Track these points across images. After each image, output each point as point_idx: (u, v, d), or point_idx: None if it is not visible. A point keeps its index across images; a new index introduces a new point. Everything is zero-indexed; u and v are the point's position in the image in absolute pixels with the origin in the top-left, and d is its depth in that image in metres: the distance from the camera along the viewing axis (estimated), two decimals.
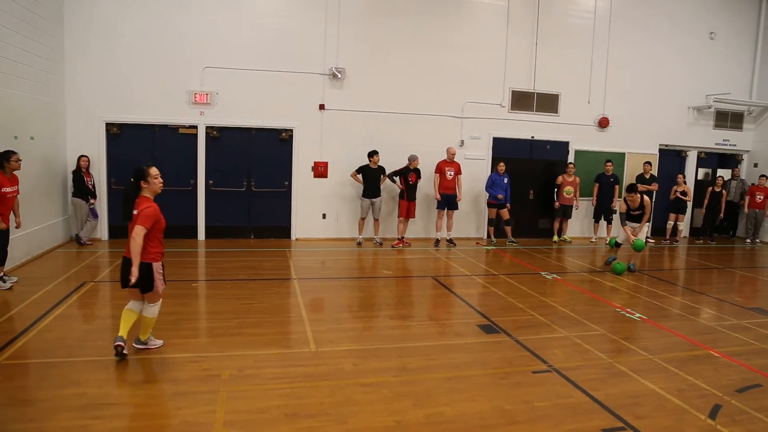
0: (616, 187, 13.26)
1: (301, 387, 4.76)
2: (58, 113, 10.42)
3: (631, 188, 9.94)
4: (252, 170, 11.69)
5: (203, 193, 11.43)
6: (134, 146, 11.01)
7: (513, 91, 12.98)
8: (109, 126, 10.92)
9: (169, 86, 11.00)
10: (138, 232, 4.95)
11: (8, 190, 7.33)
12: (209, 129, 11.34)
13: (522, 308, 7.42)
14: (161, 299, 5.35)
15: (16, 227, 7.82)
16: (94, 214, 10.57)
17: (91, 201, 10.47)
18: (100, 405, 4.30)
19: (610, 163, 13.23)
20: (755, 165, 15.13)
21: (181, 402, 4.39)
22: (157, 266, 5.16)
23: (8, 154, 7.37)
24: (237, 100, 11.33)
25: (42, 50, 9.58)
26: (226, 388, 4.67)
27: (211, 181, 11.46)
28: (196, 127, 11.28)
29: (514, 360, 5.59)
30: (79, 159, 10.38)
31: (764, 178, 14.14)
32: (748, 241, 14.42)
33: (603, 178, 13.24)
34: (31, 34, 9.15)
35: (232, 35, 11.20)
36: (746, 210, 14.39)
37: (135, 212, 5.06)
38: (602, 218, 13.34)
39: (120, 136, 10.99)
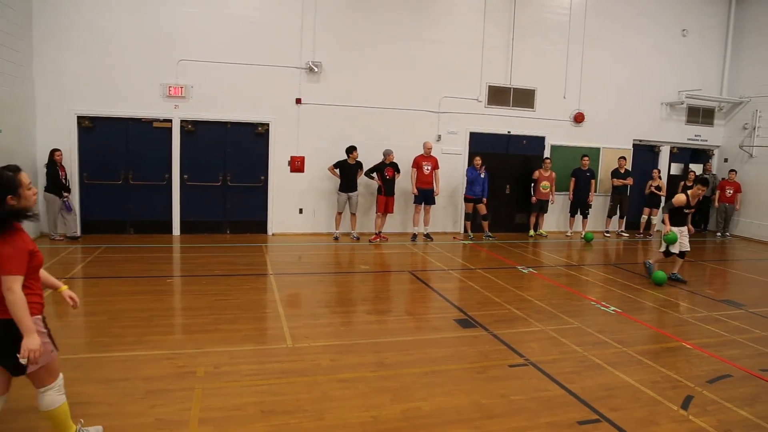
0: (593, 181, 13.41)
1: (278, 383, 4.73)
2: (27, 105, 10.16)
3: (704, 181, 8.83)
4: (228, 164, 11.56)
5: (178, 188, 11.26)
6: (107, 140, 10.81)
7: (490, 86, 13.03)
8: (81, 119, 10.68)
9: (143, 79, 10.79)
10: (10, 285, 3.05)
11: None
12: (184, 123, 11.18)
13: (499, 302, 7.47)
14: (61, 375, 3.48)
15: None
16: (68, 208, 10.34)
17: (65, 195, 10.24)
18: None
19: (586, 158, 13.37)
20: (725, 160, 15.42)
21: (155, 400, 4.32)
22: (30, 322, 3.12)
23: None
24: (212, 93, 11.18)
25: (9, 40, 9.32)
26: (202, 385, 4.62)
27: (186, 176, 11.30)
28: (170, 120, 11.11)
29: (490, 354, 5.62)
30: (53, 153, 10.13)
31: (734, 172, 14.44)
32: (719, 234, 14.71)
33: (579, 173, 13.38)
34: None
35: (207, 28, 11.03)
36: (716, 204, 14.68)
37: None
38: (578, 212, 13.47)
39: (92, 129, 10.77)
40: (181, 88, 11.00)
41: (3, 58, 9.13)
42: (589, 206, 13.43)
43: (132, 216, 11.10)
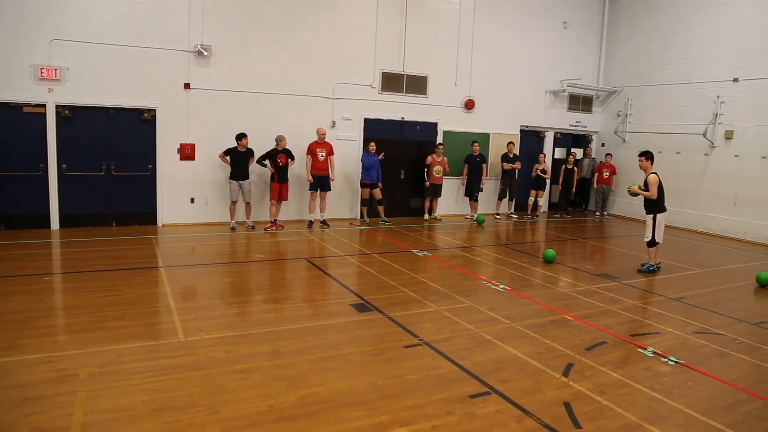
0: (484, 166, 13.95)
1: (169, 379, 4.56)
2: None
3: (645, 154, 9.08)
4: (112, 153, 10.87)
5: (56, 179, 10.44)
6: None
7: (383, 73, 13.15)
8: None
9: (10, 59, 9.84)
10: None
11: None
12: (60, 108, 10.34)
13: (394, 285, 7.62)
14: None
15: None
16: None
17: None
18: None
19: (476, 144, 13.88)
20: (602, 144, 16.59)
21: (31, 408, 4.02)
22: None
23: None
24: (92, 77, 10.41)
25: None
26: (85, 387, 4.36)
27: (64, 165, 10.50)
28: (44, 105, 10.24)
29: (386, 336, 5.73)
30: None
31: (610, 156, 15.58)
32: (598, 214, 15.84)
33: (471, 159, 13.88)
34: None
35: (85, 5, 10.23)
36: (595, 186, 15.79)
37: None
38: (470, 196, 14.00)
39: None
40: (56, 70, 10.15)
41: None
42: (481, 190, 13.99)
43: (1, 210, 10.17)
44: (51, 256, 9.06)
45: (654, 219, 8.94)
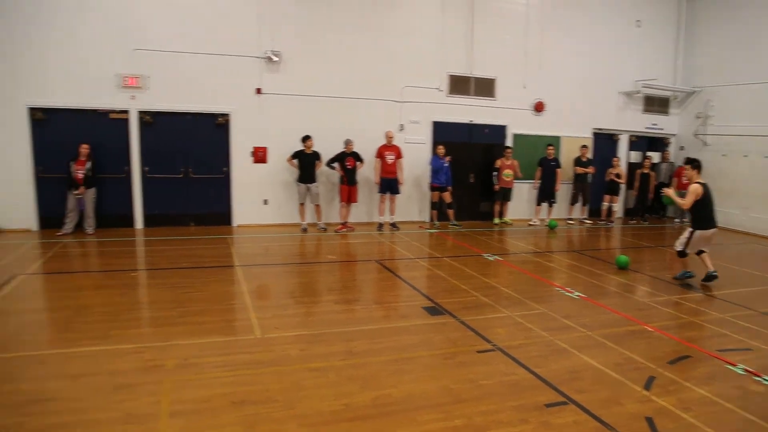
0: (558, 170, 13.63)
1: (248, 374, 4.70)
2: None
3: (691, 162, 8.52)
4: (189, 156, 11.36)
5: (139, 181, 11.02)
6: (62, 132, 10.44)
7: (451, 76, 13.10)
8: (33, 111, 10.31)
9: (97, 69, 10.47)
10: None
11: None
12: (142, 114, 10.92)
13: (466, 290, 7.56)
14: None
15: None
16: (80, 205, 10.23)
17: (75, 192, 10.06)
18: (36, 401, 4.12)
19: (551, 148, 13.59)
20: (681, 148, 15.87)
21: (123, 395, 4.25)
22: None
23: None
24: (171, 83, 10.94)
25: None
26: (171, 378, 4.56)
27: (146, 168, 11.06)
28: (127, 111, 10.83)
29: (458, 340, 5.70)
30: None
31: None
32: (677, 220, 15.16)
33: (545, 162, 13.60)
34: None
35: (164, 16, 10.79)
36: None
37: None
38: (545, 201, 13.70)
39: (46, 121, 10.41)
40: (137, 78, 10.73)
41: None
42: (555, 195, 13.68)
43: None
44: (136, 253, 9.55)
45: (691, 234, 8.18)
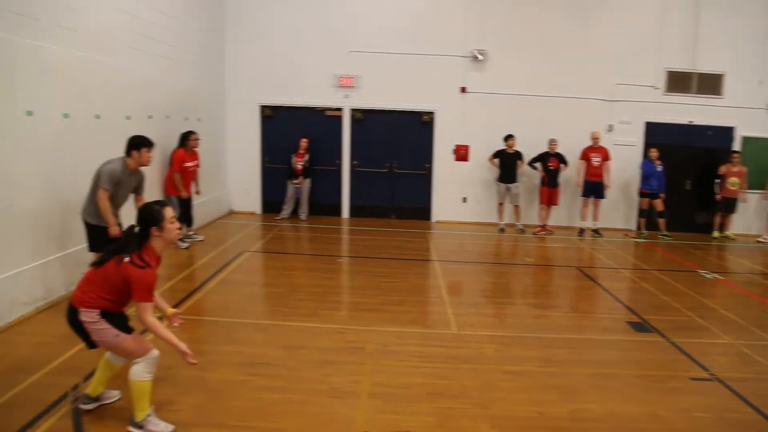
0: None
1: (444, 367, 4.79)
2: (220, 97, 11.34)
3: None
4: (394, 152, 11.90)
5: (348, 174, 11.86)
6: (285, 127, 11.64)
7: (669, 72, 11.92)
8: (264, 108, 11.67)
9: (317, 71, 11.49)
10: (143, 315, 3.42)
11: (189, 164, 8.55)
12: (354, 111, 11.71)
13: (677, 308, 6.86)
14: (148, 355, 3.52)
15: (196, 193, 9.00)
16: (296, 194, 11.35)
17: (294, 181, 11.18)
18: (257, 364, 4.64)
19: None
20: None
21: (329, 369, 4.60)
22: (90, 315, 3.44)
23: (188, 134, 8.55)
24: (380, 83, 11.55)
25: (208, 41, 10.47)
26: (371, 361, 4.82)
27: (355, 162, 11.84)
28: (341, 109, 11.70)
29: (668, 363, 5.19)
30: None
31: None
32: None
33: None
34: (199, 26, 10.02)
35: (375, 19, 11.42)
36: None
37: (125, 260, 3.41)
38: None
39: (273, 117, 11.70)
40: (351, 78, 11.52)
41: (201, 58, 10.24)
42: None
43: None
44: (341, 241, 10.29)
45: None
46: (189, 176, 8.67)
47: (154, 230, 3.49)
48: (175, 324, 3.83)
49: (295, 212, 11.45)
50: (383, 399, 4.17)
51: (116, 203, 5.71)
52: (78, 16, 6.22)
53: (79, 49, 6.26)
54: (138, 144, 5.61)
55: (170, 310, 3.86)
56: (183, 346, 3.48)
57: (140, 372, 3.49)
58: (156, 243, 3.55)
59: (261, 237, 9.83)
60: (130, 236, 3.50)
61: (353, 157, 11.84)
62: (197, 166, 8.88)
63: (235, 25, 11.38)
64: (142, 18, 7.74)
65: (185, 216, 8.61)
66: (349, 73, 11.53)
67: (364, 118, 11.74)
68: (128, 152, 5.63)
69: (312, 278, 7.41)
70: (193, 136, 8.59)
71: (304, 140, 11.12)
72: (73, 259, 6.07)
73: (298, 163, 11.09)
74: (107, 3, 6.88)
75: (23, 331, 5.15)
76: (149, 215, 3.50)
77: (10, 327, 5.19)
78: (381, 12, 11.43)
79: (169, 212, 3.56)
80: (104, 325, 3.44)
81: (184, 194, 8.51)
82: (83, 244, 5.83)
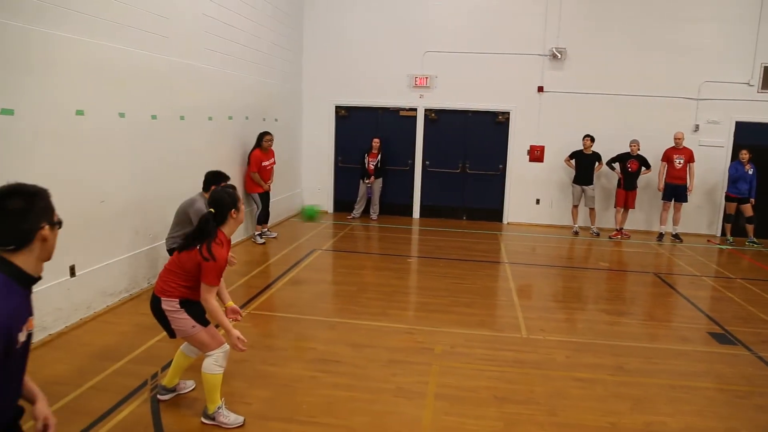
0: None
1: (511, 372, 4.75)
2: (296, 98, 11.66)
3: None
4: (467, 152, 11.84)
5: (420, 174, 11.90)
6: (359, 128, 11.84)
7: (766, 67, 11.20)
8: (338, 109, 11.90)
9: (391, 71, 11.61)
10: (206, 296, 3.57)
11: (266, 163, 8.95)
12: (428, 111, 11.74)
13: (765, 320, 6.48)
14: (220, 348, 3.71)
15: (267, 190, 9.25)
16: (367, 193, 11.56)
17: (366, 181, 11.38)
18: (327, 361, 4.77)
19: None
20: None
21: (396, 369, 4.67)
22: (171, 304, 3.64)
23: (263, 135, 8.89)
24: (455, 83, 11.52)
25: (286, 43, 10.78)
26: (438, 362, 4.85)
27: (427, 162, 11.87)
28: (415, 109, 11.75)
29: (755, 379, 4.92)
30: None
31: None
32: None
33: None
34: (279, 29, 10.34)
35: (452, 19, 11.38)
36: None
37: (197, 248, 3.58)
38: None
39: (347, 118, 11.92)
40: (426, 78, 11.54)
41: (282, 59, 10.58)
42: None
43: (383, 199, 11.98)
44: (412, 241, 10.35)
45: None
46: (266, 174, 9.05)
47: (232, 212, 3.65)
48: (231, 318, 3.96)
49: (366, 212, 11.63)
50: (450, 401, 4.20)
51: None
52: (168, 23, 6.61)
53: (168, 54, 6.64)
54: (215, 180, 5.63)
55: (230, 304, 4.03)
56: (236, 332, 3.64)
57: (212, 365, 3.66)
58: (230, 226, 3.70)
59: (332, 235, 10.04)
60: (207, 221, 3.62)
61: (425, 157, 11.87)
62: (273, 164, 9.25)
63: (312, 26, 11.68)
64: (224, 21, 8.10)
65: (264, 213, 8.97)
66: (424, 73, 11.56)
67: (437, 118, 11.75)
68: (206, 188, 5.79)
69: (381, 277, 7.51)
70: (267, 137, 8.92)
71: (377, 140, 11.26)
72: (156, 253, 6.47)
73: (371, 163, 11.25)
74: (192, 9, 7.24)
75: (108, 321, 5.53)
76: (228, 197, 3.65)
77: (98, 316, 5.59)
78: (458, 11, 11.39)
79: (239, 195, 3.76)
80: (183, 315, 3.63)
81: (265, 187, 8.97)
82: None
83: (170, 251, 5.82)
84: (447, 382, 4.50)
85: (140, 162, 6.23)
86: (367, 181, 11.31)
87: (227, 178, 5.79)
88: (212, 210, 3.63)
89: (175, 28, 6.77)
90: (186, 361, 4.01)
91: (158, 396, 4.03)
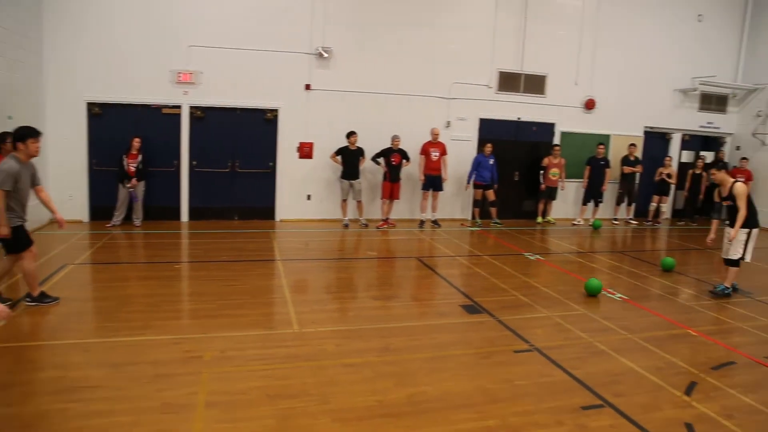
0: (607, 170, 13.26)
1: (284, 368, 4.76)
2: (36, 92, 10.14)
3: (714, 165, 8.08)
4: (236, 151, 11.57)
5: (186, 174, 11.29)
6: (116, 126, 10.76)
7: (500, 72, 12.92)
8: (91, 106, 10.68)
9: (153, 65, 10.77)
10: None
11: None
12: (193, 109, 11.17)
13: (505, 288, 7.47)
14: None
15: None
16: (132, 197, 10.53)
17: (128, 184, 10.36)
18: (79, 388, 4.26)
19: (601, 146, 13.26)
20: (737, 148, 15.24)
21: (162, 384, 4.37)
22: None
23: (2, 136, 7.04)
24: (222, 79, 11.14)
25: (20, 27, 9.33)
26: (208, 369, 4.66)
27: (194, 162, 11.32)
28: (179, 107, 11.10)
29: (496, 340, 5.63)
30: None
31: (746, 160, 14.28)
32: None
33: (594, 161, 13.27)
34: (4, 8, 8.87)
35: (218, 13, 10.98)
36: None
37: None
38: (591, 201, 13.38)
39: (102, 116, 10.78)
40: (191, 74, 10.98)
41: (14, 45, 9.13)
42: (603, 194, 13.33)
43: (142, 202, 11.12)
44: (180, 245, 9.81)
45: (748, 235, 7.67)
46: None
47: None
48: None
49: (128, 218, 10.70)
50: (221, 407, 4.06)
51: (22, 200, 5.75)
52: None
53: None
54: (23, 135, 5.48)
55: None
56: None
57: None
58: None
59: (88, 247, 9.01)
60: None
61: (192, 156, 11.30)
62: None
63: (55, 8, 10.19)
64: None
65: None
66: (188, 68, 10.96)
67: (204, 115, 11.25)
68: (14, 146, 5.44)
69: (145, 288, 6.96)
70: (9, 139, 6.58)
71: (137, 140, 10.43)
72: None
73: (131, 165, 10.38)
74: None
75: None
76: None
77: None
78: (223, 4, 10.99)
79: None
80: None
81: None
82: None
83: None
84: (218, 388, 4.34)
85: None
86: (128, 185, 10.42)
87: (37, 133, 5.64)
88: None
89: None
90: None
91: None
